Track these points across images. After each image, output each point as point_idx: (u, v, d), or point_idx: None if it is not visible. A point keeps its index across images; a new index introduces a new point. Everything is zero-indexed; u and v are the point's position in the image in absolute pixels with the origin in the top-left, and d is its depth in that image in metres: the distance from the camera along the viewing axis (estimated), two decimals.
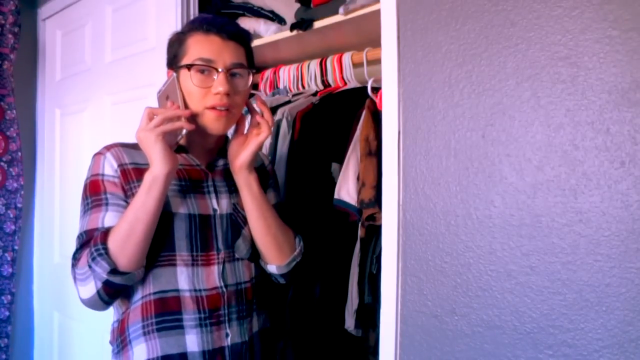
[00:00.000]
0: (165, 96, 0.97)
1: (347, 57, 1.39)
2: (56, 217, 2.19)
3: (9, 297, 2.10)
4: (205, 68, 0.93)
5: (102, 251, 0.87)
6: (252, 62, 1.02)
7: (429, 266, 0.93)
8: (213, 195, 1.01)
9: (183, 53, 0.96)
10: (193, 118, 0.95)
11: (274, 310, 1.31)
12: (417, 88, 0.95)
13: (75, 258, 0.91)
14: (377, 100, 1.22)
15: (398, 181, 0.97)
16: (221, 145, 1.07)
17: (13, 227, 2.12)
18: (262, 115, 0.99)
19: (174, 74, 0.95)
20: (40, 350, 2.26)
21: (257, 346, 1.03)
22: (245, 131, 1.02)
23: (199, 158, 1.03)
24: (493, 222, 0.84)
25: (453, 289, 0.89)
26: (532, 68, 0.81)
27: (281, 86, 1.55)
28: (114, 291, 0.90)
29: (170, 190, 0.96)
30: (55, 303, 2.17)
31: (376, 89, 1.23)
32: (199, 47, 0.94)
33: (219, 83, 0.92)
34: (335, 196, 1.21)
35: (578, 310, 0.75)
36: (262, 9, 1.54)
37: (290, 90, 1.53)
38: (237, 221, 1.02)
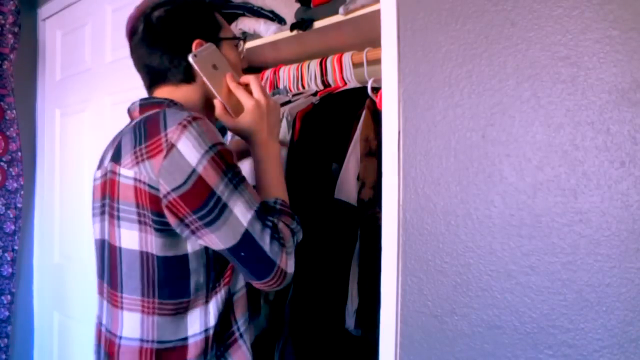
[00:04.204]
0: (211, 65, 0.91)
1: (347, 57, 1.39)
2: (56, 217, 2.19)
3: (9, 297, 2.10)
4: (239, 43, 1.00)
5: (300, 227, 0.91)
6: None
7: (429, 266, 0.93)
8: None
9: (219, 26, 0.96)
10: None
11: (273, 309, 1.31)
12: (417, 88, 0.95)
13: (277, 230, 0.83)
14: (377, 100, 1.22)
15: (398, 181, 0.97)
16: None
17: (13, 227, 2.12)
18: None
19: (212, 44, 0.92)
20: (40, 350, 2.26)
21: None
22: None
23: None
24: (493, 222, 0.84)
25: (453, 289, 0.89)
26: (532, 68, 0.81)
27: (281, 86, 1.55)
28: None
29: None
30: (55, 303, 2.17)
31: (376, 89, 1.23)
32: (225, 22, 0.97)
33: (244, 59, 0.99)
34: (335, 196, 1.21)
35: (578, 310, 0.75)
36: (262, 9, 1.54)
37: (290, 90, 1.53)
38: None
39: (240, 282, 0.89)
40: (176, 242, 0.80)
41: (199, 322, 0.83)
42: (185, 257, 0.81)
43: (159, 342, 0.82)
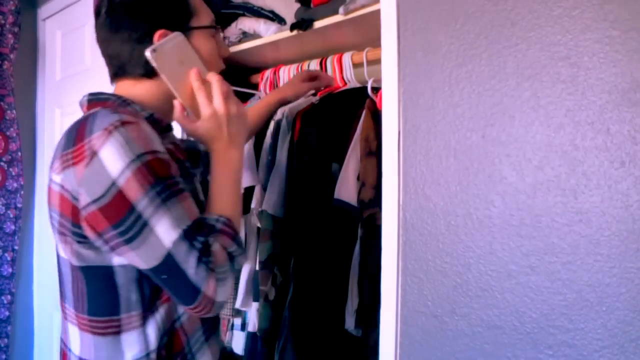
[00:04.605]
0: (175, 59, 0.78)
1: (347, 57, 1.39)
2: None
3: (9, 297, 2.11)
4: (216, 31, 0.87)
5: (242, 250, 0.78)
6: None
7: (429, 266, 0.93)
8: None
9: (191, 13, 0.82)
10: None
11: (273, 309, 1.31)
12: (417, 88, 0.95)
13: (208, 253, 0.72)
14: (377, 100, 1.22)
15: (398, 181, 0.97)
16: None
17: (13, 227, 2.12)
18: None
19: (180, 34, 0.79)
20: (40, 350, 2.26)
21: None
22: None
23: None
24: (493, 222, 0.84)
25: (453, 289, 0.89)
26: (532, 68, 0.80)
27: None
28: None
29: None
30: (55, 303, 2.16)
31: (376, 89, 1.22)
32: (204, 7, 0.83)
33: (225, 46, 0.87)
34: (335, 196, 1.20)
35: (578, 310, 0.75)
36: (262, 9, 1.54)
37: None
38: None
39: None
40: (99, 252, 0.73)
41: (137, 346, 0.75)
42: (109, 269, 0.74)
43: None
